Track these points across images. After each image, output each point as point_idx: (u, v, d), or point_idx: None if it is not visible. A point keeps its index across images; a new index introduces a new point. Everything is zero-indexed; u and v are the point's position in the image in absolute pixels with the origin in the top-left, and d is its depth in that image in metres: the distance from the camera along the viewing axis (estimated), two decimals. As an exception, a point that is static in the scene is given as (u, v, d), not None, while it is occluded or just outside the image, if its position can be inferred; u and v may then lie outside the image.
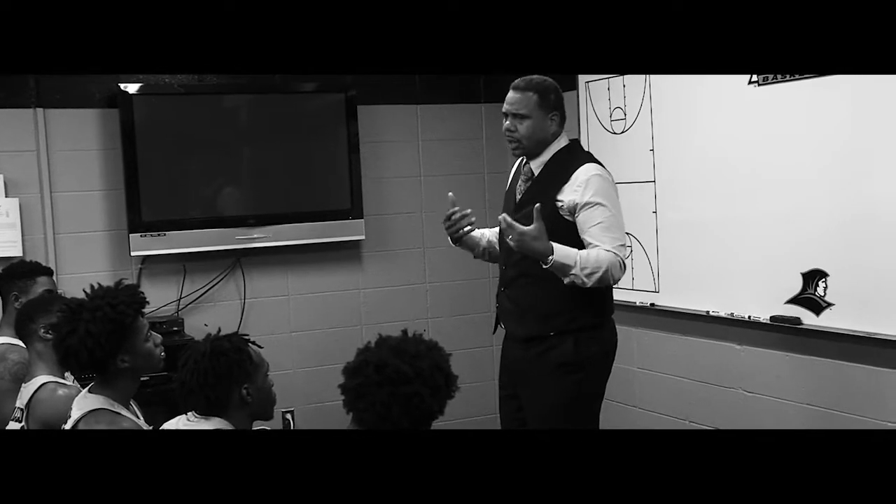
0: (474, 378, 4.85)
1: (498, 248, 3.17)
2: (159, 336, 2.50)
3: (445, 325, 4.93)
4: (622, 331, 4.40)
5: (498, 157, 5.04)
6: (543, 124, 2.93)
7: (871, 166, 3.13)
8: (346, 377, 1.93)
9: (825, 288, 3.29)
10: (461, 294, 4.99)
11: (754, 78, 3.48)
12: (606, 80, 4.28)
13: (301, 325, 4.69)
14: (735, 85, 3.55)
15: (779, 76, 3.39)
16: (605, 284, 2.81)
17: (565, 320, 2.91)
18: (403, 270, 4.88)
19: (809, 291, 3.34)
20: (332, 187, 4.59)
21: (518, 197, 3.02)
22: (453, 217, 3.09)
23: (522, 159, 3.06)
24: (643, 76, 4.05)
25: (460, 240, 3.17)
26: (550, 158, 2.96)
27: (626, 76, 4.15)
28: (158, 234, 4.24)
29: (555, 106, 2.95)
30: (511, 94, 2.96)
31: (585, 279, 2.76)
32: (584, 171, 2.88)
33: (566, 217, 2.87)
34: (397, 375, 1.85)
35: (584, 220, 2.84)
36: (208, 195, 4.41)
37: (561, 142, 2.99)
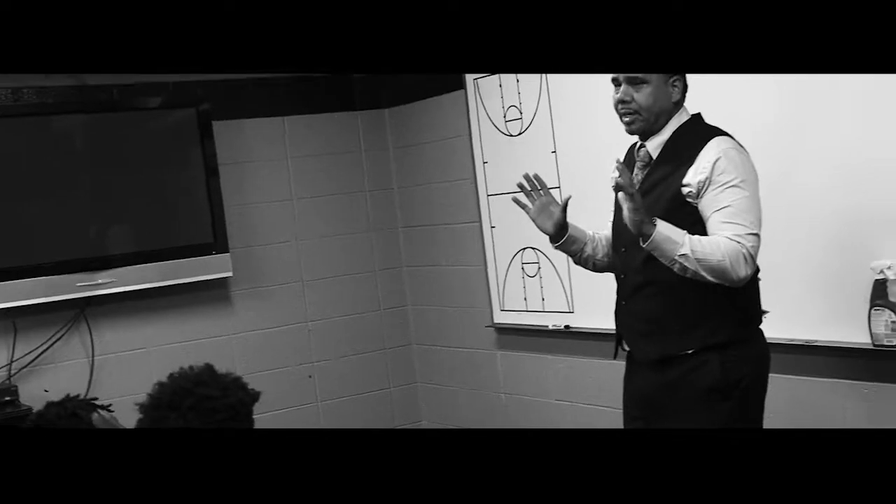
0: (372, 426, 4.85)
1: (613, 251, 2.91)
2: None
3: (334, 368, 4.86)
4: (535, 359, 4.45)
5: (381, 172, 4.98)
6: (665, 91, 2.68)
7: (796, 150, 3.14)
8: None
9: (758, 294, 3.27)
10: (349, 331, 4.92)
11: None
12: (497, 76, 4.22)
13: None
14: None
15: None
16: (723, 280, 2.55)
17: (706, 333, 2.64)
18: (280, 309, 4.78)
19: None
20: (190, 218, 4.47)
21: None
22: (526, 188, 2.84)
23: (635, 143, 2.82)
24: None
25: (561, 235, 2.86)
26: (671, 137, 2.71)
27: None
28: (-22, 287, 4.07)
29: None
30: None
31: (697, 266, 2.52)
32: (714, 146, 2.63)
33: (694, 204, 2.64)
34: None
35: (707, 205, 2.60)
36: (39, 236, 4.21)
37: (682, 116, 2.73)
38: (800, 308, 3.19)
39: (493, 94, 4.26)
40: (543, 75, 3.99)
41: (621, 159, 2.89)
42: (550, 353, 4.23)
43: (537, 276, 4.18)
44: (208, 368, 2.06)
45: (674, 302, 2.67)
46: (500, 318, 4.43)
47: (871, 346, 2.99)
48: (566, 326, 4.08)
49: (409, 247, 5.00)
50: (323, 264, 4.84)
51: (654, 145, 2.74)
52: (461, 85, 4.39)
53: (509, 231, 4.25)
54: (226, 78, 4.53)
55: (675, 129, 2.72)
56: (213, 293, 4.60)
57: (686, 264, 2.54)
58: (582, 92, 3.82)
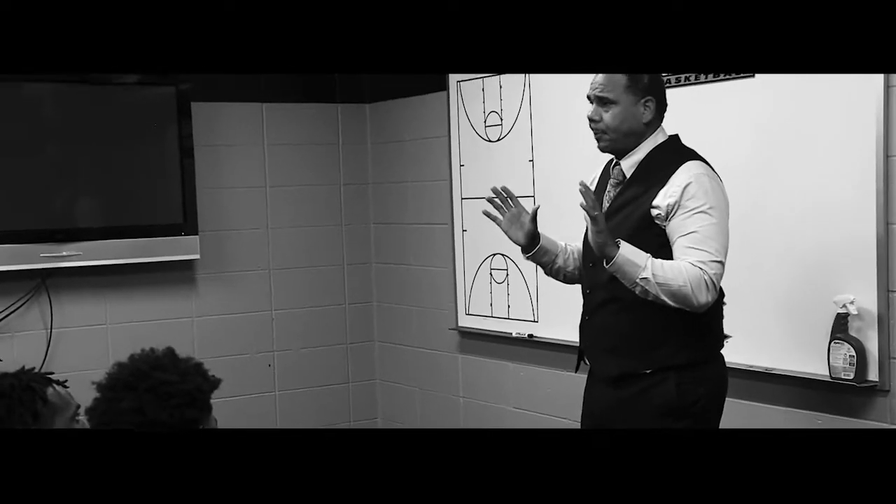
0: (327, 422, 4.85)
1: (581, 265, 2.93)
2: None
3: (295, 358, 4.84)
4: (496, 365, 4.46)
5: (357, 167, 4.97)
6: (634, 112, 2.69)
7: (767, 181, 3.17)
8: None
9: (722, 318, 3.30)
10: (313, 323, 4.90)
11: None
12: (481, 80, 4.22)
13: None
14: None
15: (672, 81, 3.39)
16: (684, 305, 2.56)
17: (665, 354, 2.66)
18: (245, 295, 4.75)
19: (704, 322, 3.34)
20: (161, 197, 4.43)
21: (606, 205, 2.78)
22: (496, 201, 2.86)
23: (611, 161, 2.84)
24: (522, 76, 4.01)
25: (533, 245, 2.88)
26: (645, 157, 2.72)
27: (502, 76, 4.10)
28: (-61, 251, 4.01)
29: (648, 90, 2.69)
30: (597, 76, 2.73)
31: (658, 291, 2.54)
32: (686, 171, 2.64)
33: (662, 227, 2.65)
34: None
35: (674, 229, 2.62)
36: (4, 204, 4.14)
37: (658, 137, 2.74)
38: (762, 336, 3.22)
39: (475, 98, 4.26)
40: (527, 83, 4.00)
41: (595, 177, 2.92)
42: (512, 360, 4.25)
43: (505, 283, 4.19)
44: (169, 352, 2.05)
45: (637, 320, 2.69)
46: (465, 321, 4.44)
47: (829, 379, 3.02)
48: (530, 335, 4.09)
49: (380, 243, 5.00)
50: (291, 254, 4.83)
51: (629, 164, 2.76)
52: (444, 86, 4.39)
53: (480, 236, 4.26)
54: (208, 59, 4.50)
55: (650, 149, 2.74)
56: (178, 274, 4.57)
57: (647, 288, 2.56)
58: (563, 103, 3.83)
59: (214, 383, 2.06)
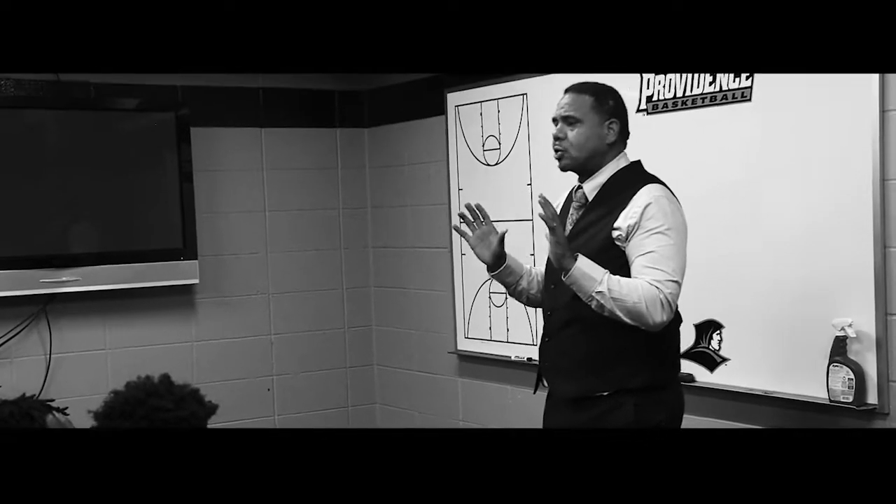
0: None
1: (543, 287, 2.95)
2: None
3: (294, 383, 4.84)
4: (495, 388, 4.47)
5: (356, 191, 4.97)
6: (598, 132, 2.76)
7: (765, 205, 3.18)
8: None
9: (720, 341, 3.30)
10: (312, 347, 4.89)
11: (643, 105, 3.49)
12: (479, 105, 4.24)
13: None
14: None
15: (669, 105, 3.41)
16: (639, 323, 2.59)
17: (623, 375, 2.68)
18: (244, 320, 4.75)
19: (703, 345, 3.34)
20: (160, 222, 4.44)
21: (570, 227, 2.81)
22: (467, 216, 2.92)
23: (574, 186, 2.89)
24: (520, 99, 4.03)
25: (498, 265, 2.93)
26: (608, 181, 2.78)
27: (500, 100, 4.12)
28: (-61, 277, 4.00)
29: (613, 113, 2.76)
30: (564, 97, 2.80)
31: (613, 306, 2.56)
32: (646, 193, 2.69)
33: (623, 248, 2.69)
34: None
35: (633, 249, 2.65)
36: (4, 230, 4.14)
37: (621, 161, 2.80)
38: (760, 359, 3.22)
39: (473, 122, 4.28)
40: (524, 107, 4.02)
41: (561, 200, 2.97)
42: (511, 383, 4.24)
43: (503, 307, 4.20)
44: (165, 379, 2.06)
45: (596, 342, 2.72)
46: (464, 345, 4.43)
47: (828, 402, 3.02)
48: (529, 359, 4.08)
49: (379, 267, 5.00)
50: (290, 278, 4.83)
51: (591, 187, 2.81)
52: (442, 110, 4.41)
53: (479, 259, 4.25)
54: (206, 84, 4.52)
55: (612, 173, 2.79)
56: (177, 299, 4.57)
57: (602, 302, 2.59)
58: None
59: (211, 409, 2.06)
